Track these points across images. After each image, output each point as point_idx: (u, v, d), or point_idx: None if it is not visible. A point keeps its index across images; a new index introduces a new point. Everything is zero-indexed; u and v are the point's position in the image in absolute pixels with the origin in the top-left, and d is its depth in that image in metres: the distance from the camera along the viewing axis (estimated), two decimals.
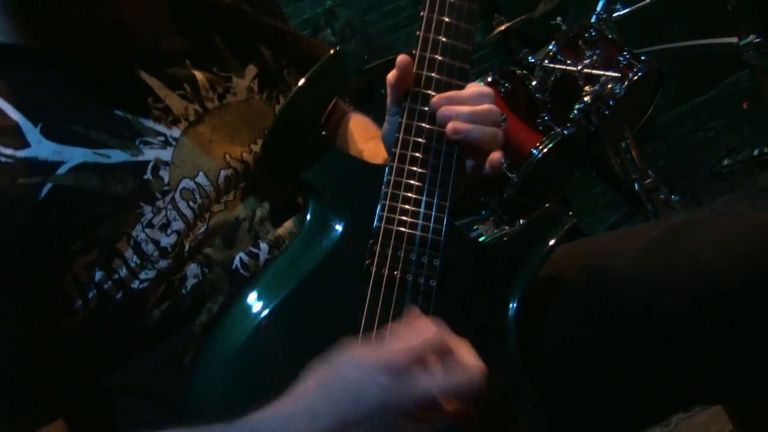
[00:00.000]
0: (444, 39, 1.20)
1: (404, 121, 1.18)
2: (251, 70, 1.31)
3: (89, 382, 1.14)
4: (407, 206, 1.15)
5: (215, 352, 1.11)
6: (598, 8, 3.13)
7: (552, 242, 1.24)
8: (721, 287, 1.17)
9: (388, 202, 1.15)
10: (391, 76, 1.18)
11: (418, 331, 0.99)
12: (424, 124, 1.18)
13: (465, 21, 1.21)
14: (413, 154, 1.17)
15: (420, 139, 1.18)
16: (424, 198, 1.16)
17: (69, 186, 1.05)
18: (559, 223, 1.26)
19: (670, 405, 1.32)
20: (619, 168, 3.18)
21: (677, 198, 3.05)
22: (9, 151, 1.04)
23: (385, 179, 1.17)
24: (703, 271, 1.19)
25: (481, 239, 2.49)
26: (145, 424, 1.11)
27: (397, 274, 1.14)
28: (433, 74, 1.19)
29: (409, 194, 1.16)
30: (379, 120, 1.39)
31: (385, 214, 1.15)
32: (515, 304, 1.19)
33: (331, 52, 1.23)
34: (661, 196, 2.98)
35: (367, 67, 2.90)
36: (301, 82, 1.19)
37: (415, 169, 1.17)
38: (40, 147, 1.05)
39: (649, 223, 2.94)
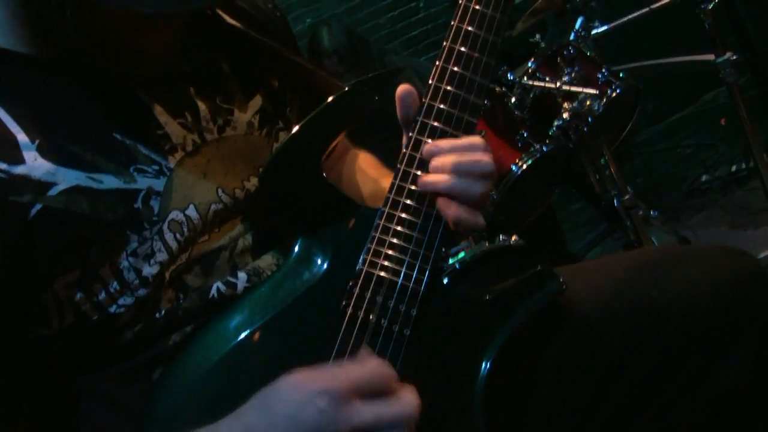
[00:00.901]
0: (455, 90, 1.17)
1: (402, 167, 1.17)
2: (255, 102, 1.30)
3: (55, 387, 1.15)
4: (392, 252, 1.15)
5: (184, 373, 1.11)
6: (577, 26, 3.15)
7: (534, 310, 1.23)
8: (652, 322, 1.24)
9: (373, 246, 1.15)
10: (398, 110, 1.18)
11: (363, 364, 1.03)
12: (419, 172, 1.16)
13: (480, 75, 1.18)
14: (406, 201, 1.16)
15: (414, 187, 1.16)
16: (410, 247, 1.15)
17: (59, 208, 1.05)
18: (547, 288, 1.24)
19: None
20: (597, 185, 3.19)
21: (656, 215, 3.06)
22: (4, 166, 1.04)
23: (374, 223, 1.16)
24: (640, 305, 1.24)
25: (460, 255, 2.49)
26: (106, 429, 1.12)
27: (372, 318, 1.14)
28: (437, 124, 1.17)
29: (396, 241, 1.15)
30: None
31: (369, 257, 1.15)
32: (488, 365, 1.19)
33: (347, 88, 1.22)
34: (640, 213, 2.99)
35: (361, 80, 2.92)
36: (308, 117, 1.18)
37: (405, 216, 1.16)
38: (35, 165, 1.05)
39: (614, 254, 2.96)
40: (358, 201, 1.21)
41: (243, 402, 1.01)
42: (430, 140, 1.16)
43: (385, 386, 1.01)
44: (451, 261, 2.31)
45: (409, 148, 1.17)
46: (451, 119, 1.17)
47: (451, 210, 1.14)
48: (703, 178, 4.03)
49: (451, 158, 1.14)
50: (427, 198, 1.16)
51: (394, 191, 1.17)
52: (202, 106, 1.23)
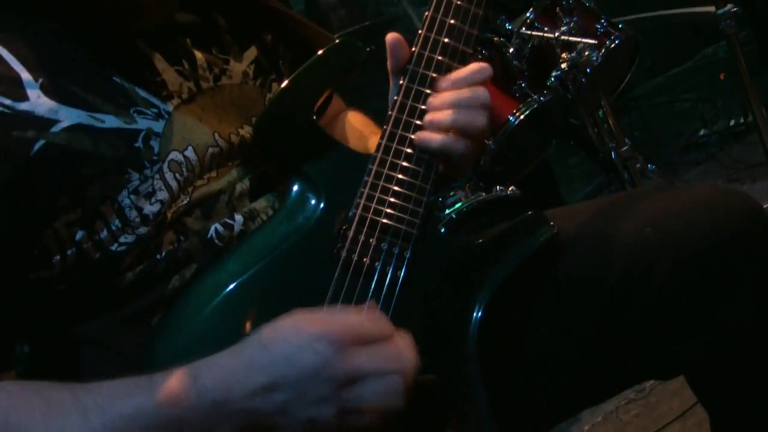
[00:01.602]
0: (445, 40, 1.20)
1: (393, 114, 1.19)
2: (249, 54, 1.32)
3: (54, 332, 1.16)
4: (385, 197, 1.17)
5: (183, 317, 1.13)
6: None
7: (525, 256, 1.24)
8: (649, 259, 1.24)
9: (367, 191, 1.17)
10: (389, 62, 1.21)
11: (365, 313, 1.05)
12: (412, 120, 1.19)
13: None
14: (398, 147, 1.18)
15: (406, 133, 1.18)
16: (403, 190, 1.17)
17: (61, 144, 1.06)
18: (537, 233, 1.26)
19: (622, 380, 1.35)
20: (595, 137, 3.18)
21: (653, 168, 3.06)
22: (8, 102, 1.05)
23: (367, 168, 1.18)
24: (634, 242, 1.24)
25: (457, 206, 2.49)
26: (104, 376, 1.12)
27: (366, 261, 1.16)
28: (432, 62, 1.20)
29: (389, 185, 1.17)
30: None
31: (362, 201, 1.17)
32: (479, 313, 1.20)
33: (336, 42, 1.24)
34: (638, 165, 2.98)
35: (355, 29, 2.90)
36: (300, 68, 1.20)
37: (397, 161, 1.18)
38: (38, 102, 1.06)
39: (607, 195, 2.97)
40: None
41: None
42: (421, 88, 1.19)
43: (383, 336, 1.02)
44: (447, 211, 2.31)
45: (401, 96, 1.19)
46: (441, 68, 1.19)
47: (458, 144, 1.17)
48: (701, 132, 4.02)
49: (451, 94, 1.17)
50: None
51: (386, 137, 1.19)
52: (198, 56, 1.24)
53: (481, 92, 1.18)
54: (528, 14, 2.96)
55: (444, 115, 1.17)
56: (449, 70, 1.19)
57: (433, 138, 1.17)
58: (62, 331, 1.16)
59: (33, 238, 1.08)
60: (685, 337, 1.24)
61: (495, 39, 2.91)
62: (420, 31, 1.20)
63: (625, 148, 2.95)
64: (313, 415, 0.98)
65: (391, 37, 1.20)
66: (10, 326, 1.12)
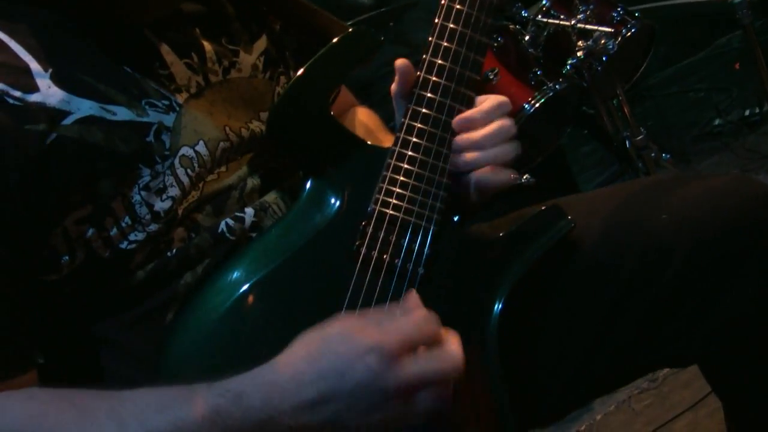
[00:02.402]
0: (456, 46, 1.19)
1: (411, 106, 1.17)
2: (260, 44, 1.30)
3: (67, 333, 1.14)
4: (404, 192, 1.15)
5: (198, 315, 1.11)
6: None
7: (544, 249, 1.23)
8: (665, 246, 1.23)
9: (385, 186, 1.15)
10: (394, 86, 1.20)
11: (413, 318, 1.01)
12: (430, 112, 1.17)
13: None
14: (416, 140, 1.16)
15: (425, 126, 1.17)
16: (422, 185, 1.16)
17: (74, 138, 1.04)
18: (556, 227, 1.25)
19: (636, 368, 1.35)
20: (610, 125, 3.17)
21: (667, 157, 3.05)
22: (18, 94, 1.02)
23: (385, 163, 1.16)
24: (651, 229, 1.24)
25: None
26: (119, 378, 1.12)
27: (386, 258, 1.14)
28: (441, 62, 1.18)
29: (408, 180, 1.15)
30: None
31: (381, 197, 1.15)
32: (500, 305, 1.19)
33: (351, 30, 1.22)
34: (652, 155, 2.97)
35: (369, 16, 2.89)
36: (313, 58, 1.18)
37: (416, 155, 1.16)
38: (49, 93, 1.04)
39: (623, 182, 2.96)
40: None
41: (261, 346, 1.01)
42: (439, 80, 1.18)
43: (433, 339, 1.00)
44: None
45: (418, 87, 1.18)
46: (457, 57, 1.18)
47: (498, 175, 1.19)
48: (716, 122, 3.99)
49: (479, 133, 1.17)
50: (437, 136, 1.17)
51: (404, 130, 1.17)
52: (207, 47, 1.22)
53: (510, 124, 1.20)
54: (544, 1, 2.95)
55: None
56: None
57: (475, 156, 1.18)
58: (76, 332, 1.14)
59: (42, 239, 1.05)
60: (700, 324, 1.23)
61: (510, 26, 2.91)
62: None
63: (640, 137, 2.95)
64: (364, 422, 0.96)
65: (400, 62, 1.19)
66: (27, 326, 1.08)
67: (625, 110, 3.01)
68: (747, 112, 3.87)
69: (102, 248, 1.08)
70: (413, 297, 1.08)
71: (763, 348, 1.26)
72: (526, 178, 2.52)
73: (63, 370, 1.16)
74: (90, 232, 1.07)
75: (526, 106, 2.67)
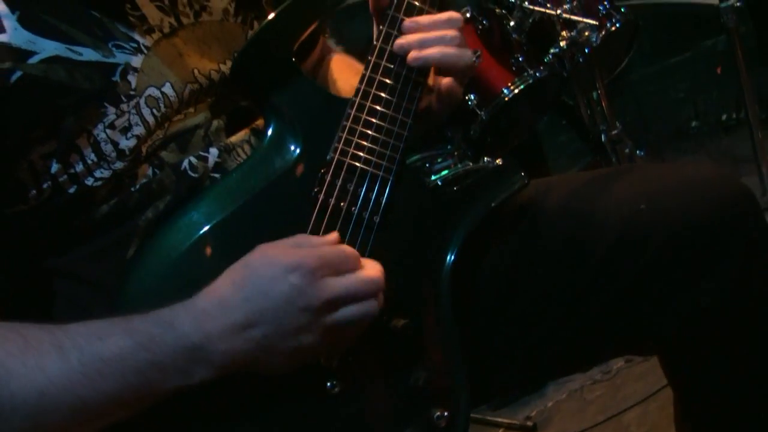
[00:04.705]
0: None
1: (373, 59, 1.21)
2: None
3: (28, 263, 1.16)
4: (363, 141, 1.18)
5: (158, 253, 1.13)
6: None
7: (496, 202, 1.28)
8: (641, 234, 1.26)
9: (345, 135, 1.18)
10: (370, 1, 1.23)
11: (331, 240, 1.08)
12: (390, 64, 1.21)
13: None
14: (377, 92, 1.19)
15: (385, 79, 1.20)
16: (381, 136, 1.18)
17: (38, 76, 1.06)
18: (510, 182, 1.29)
19: (596, 351, 1.37)
20: (587, 117, 3.18)
21: (642, 153, 3.06)
22: None
23: (345, 112, 1.18)
24: (629, 216, 1.25)
25: (443, 173, 2.49)
26: (78, 308, 1.13)
27: (343, 205, 1.17)
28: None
29: (367, 130, 1.18)
30: None
31: (340, 146, 1.18)
32: (452, 256, 1.23)
33: None
34: (626, 150, 2.98)
35: None
36: (282, 5, 1.20)
37: (376, 107, 1.19)
38: (15, 34, 1.05)
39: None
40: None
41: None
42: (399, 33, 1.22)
43: (352, 262, 1.05)
44: (433, 177, 2.31)
45: (380, 41, 1.21)
46: (419, 13, 1.23)
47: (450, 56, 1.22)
48: (693, 123, 4.02)
49: (435, 33, 1.21)
50: (397, 89, 1.20)
51: (365, 82, 1.20)
52: None
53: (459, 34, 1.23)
54: None
55: (433, 36, 1.21)
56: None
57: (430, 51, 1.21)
58: (36, 264, 1.16)
59: (7, 171, 1.07)
60: (664, 313, 1.25)
61: (497, 10, 2.90)
62: None
63: (615, 131, 2.96)
64: (294, 345, 1.00)
65: None
66: None
67: (604, 103, 3.01)
68: (724, 117, 3.90)
69: (67, 183, 1.11)
70: (334, 233, 1.13)
71: (725, 342, 1.29)
72: (500, 162, 2.52)
73: (25, 303, 1.19)
74: (55, 167, 1.09)
75: (506, 90, 2.67)
